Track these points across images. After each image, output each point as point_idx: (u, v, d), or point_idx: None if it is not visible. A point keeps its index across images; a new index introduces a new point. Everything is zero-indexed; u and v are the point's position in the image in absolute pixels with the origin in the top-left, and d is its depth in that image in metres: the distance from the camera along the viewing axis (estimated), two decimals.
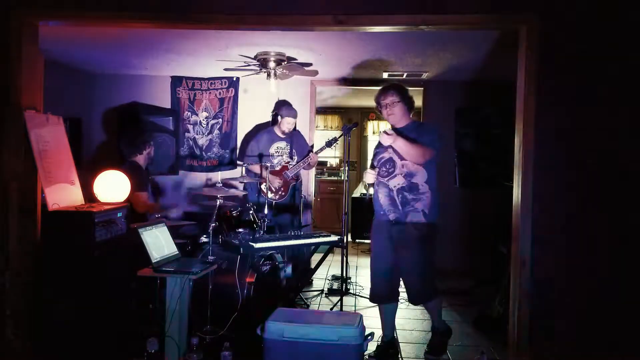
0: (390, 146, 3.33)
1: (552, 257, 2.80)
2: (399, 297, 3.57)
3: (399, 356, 3.57)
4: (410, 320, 4.31)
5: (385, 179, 3.41)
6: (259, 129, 5.67)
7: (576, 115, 2.78)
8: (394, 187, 3.37)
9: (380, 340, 3.56)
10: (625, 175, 2.77)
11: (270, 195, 4.89)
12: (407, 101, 3.45)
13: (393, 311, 3.56)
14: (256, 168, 4.90)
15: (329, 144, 4.81)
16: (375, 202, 3.50)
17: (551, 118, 2.78)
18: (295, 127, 5.13)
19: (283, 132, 5.04)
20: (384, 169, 3.43)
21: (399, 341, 3.78)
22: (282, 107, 5.09)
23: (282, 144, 5.08)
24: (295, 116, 5.04)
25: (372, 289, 3.56)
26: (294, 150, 5.11)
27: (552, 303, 2.80)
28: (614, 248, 2.78)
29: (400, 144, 3.27)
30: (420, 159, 3.30)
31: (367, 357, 3.40)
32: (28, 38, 2.99)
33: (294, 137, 5.16)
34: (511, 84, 3.00)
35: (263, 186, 4.85)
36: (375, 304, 3.65)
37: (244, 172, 4.64)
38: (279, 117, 5.05)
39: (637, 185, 2.76)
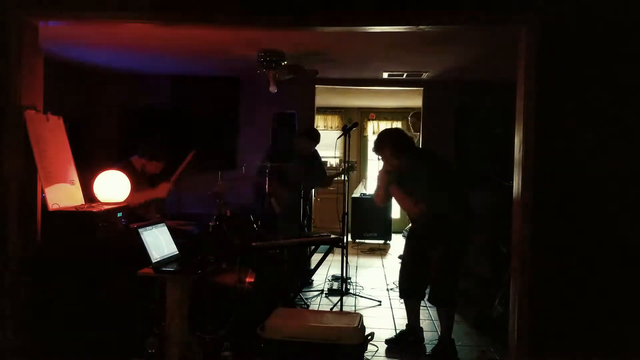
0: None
1: (552, 257, 2.79)
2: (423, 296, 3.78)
3: (422, 344, 3.75)
4: None
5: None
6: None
7: (576, 115, 2.78)
8: (411, 204, 3.62)
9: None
10: (625, 175, 2.76)
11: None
12: (395, 146, 3.60)
13: (416, 304, 3.80)
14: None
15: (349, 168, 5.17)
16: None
17: (551, 118, 2.78)
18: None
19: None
20: (406, 188, 3.64)
21: None
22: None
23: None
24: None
25: (399, 286, 3.92)
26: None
27: (552, 303, 2.79)
28: (614, 247, 2.77)
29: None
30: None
31: (369, 356, 3.42)
32: (28, 38, 2.98)
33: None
34: (511, 84, 3.00)
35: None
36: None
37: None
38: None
39: (637, 185, 2.76)
